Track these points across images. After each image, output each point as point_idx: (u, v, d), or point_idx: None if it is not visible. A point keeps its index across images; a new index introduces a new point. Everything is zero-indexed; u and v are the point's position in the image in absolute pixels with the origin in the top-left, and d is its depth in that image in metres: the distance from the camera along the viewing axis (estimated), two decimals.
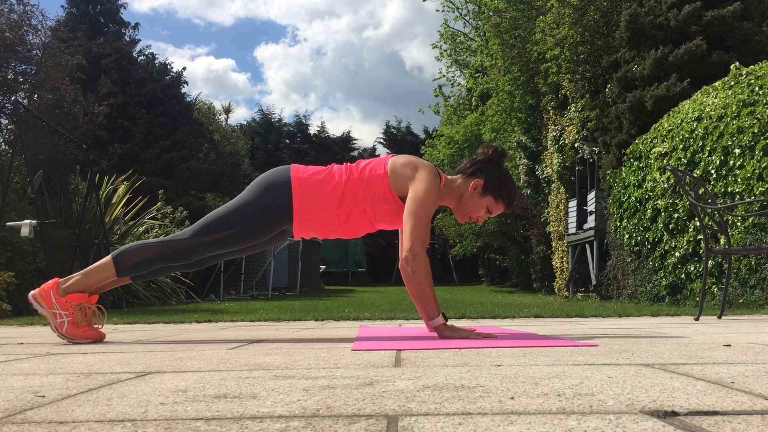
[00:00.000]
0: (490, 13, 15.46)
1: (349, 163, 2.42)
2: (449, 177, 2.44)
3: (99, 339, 2.36)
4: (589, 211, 11.04)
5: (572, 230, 11.81)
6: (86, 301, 2.32)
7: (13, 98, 7.26)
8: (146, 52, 18.17)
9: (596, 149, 10.36)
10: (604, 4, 10.44)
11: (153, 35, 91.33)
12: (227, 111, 34.44)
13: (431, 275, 2.24)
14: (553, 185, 13.25)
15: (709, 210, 4.06)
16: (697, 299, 5.95)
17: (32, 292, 2.33)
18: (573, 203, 11.92)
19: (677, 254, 6.43)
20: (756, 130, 5.31)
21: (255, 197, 2.33)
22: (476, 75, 19.76)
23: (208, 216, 2.37)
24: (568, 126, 12.09)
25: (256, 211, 2.31)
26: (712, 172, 5.83)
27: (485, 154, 2.46)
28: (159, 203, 9.97)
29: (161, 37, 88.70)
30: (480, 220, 2.46)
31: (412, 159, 2.37)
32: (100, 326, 2.39)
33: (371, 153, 41.20)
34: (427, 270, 2.21)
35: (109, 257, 2.36)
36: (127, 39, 19.10)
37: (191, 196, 15.99)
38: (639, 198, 7.33)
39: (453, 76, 26.87)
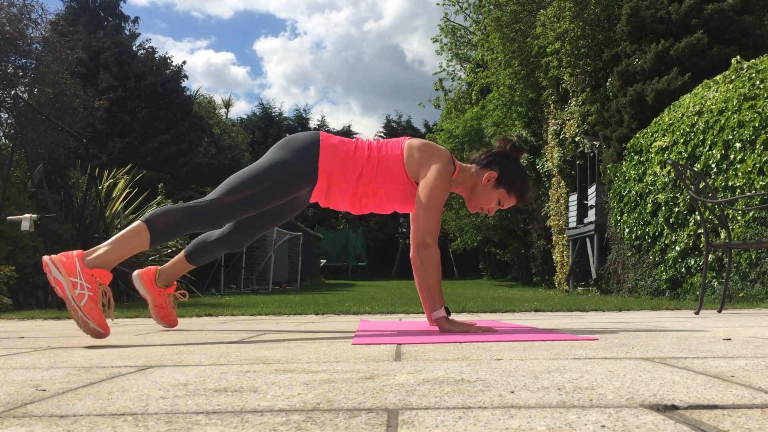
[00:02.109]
0: (491, 7, 15.42)
1: (371, 141, 2.43)
2: (464, 165, 2.44)
3: (170, 325, 2.38)
4: (589, 205, 11.04)
5: (573, 224, 11.81)
6: (107, 284, 2.12)
7: (13, 92, 7.25)
8: (146, 46, 18.14)
9: (597, 143, 10.35)
10: None
11: (152, 28, 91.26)
12: (227, 105, 34.41)
13: (440, 267, 2.26)
14: (554, 179, 13.24)
15: (710, 204, 4.06)
16: (698, 293, 5.95)
17: (49, 256, 2.07)
18: (573, 197, 11.91)
19: (677, 248, 6.43)
20: (757, 124, 5.30)
21: (282, 156, 2.31)
22: (477, 69, 19.71)
23: (231, 177, 2.33)
24: (568, 120, 12.07)
25: (282, 169, 2.28)
26: (713, 166, 5.83)
27: (501, 147, 2.46)
28: (159, 197, 9.96)
29: (160, 30, 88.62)
30: (491, 211, 2.47)
31: (429, 144, 2.37)
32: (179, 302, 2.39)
33: None
34: (437, 262, 2.24)
35: (140, 222, 2.22)
36: (127, 33, 19.07)
37: (191, 190, 15.99)
38: (639, 192, 7.33)
39: (453, 70, 26.85)
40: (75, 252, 2.12)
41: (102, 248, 2.15)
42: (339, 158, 2.31)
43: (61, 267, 2.04)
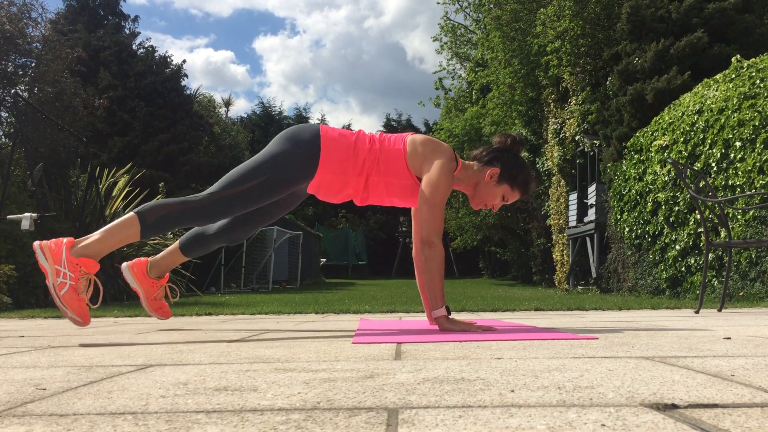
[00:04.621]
0: (491, 6, 15.41)
1: (372, 134, 2.42)
2: (466, 162, 2.44)
3: (165, 317, 2.53)
4: (589, 204, 11.04)
5: (573, 223, 11.81)
6: (94, 273, 2.16)
7: (13, 91, 7.25)
8: (146, 45, 18.14)
9: (597, 142, 10.35)
10: None
11: (151, 26, 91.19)
12: (227, 104, 34.41)
13: (444, 265, 2.25)
14: (554, 178, 13.24)
15: (710, 203, 4.06)
16: (698, 292, 5.95)
17: (40, 242, 2.13)
18: (573, 196, 11.91)
19: (678, 247, 6.43)
20: (757, 123, 5.29)
21: (282, 149, 2.28)
22: (477, 68, 19.70)
23: (230, 172, 2.31)
24: (568, 119, 12.07)
25: (282, 162, 2.26)
26: (713, 164, 5.83)
27: (502, 142, 2.45)
28: (159, 196, 9.96)
29: (159, 28, 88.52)
30: (495, 207, 2.46)
31: (432, 140, 2.36)
32: (172, 300, 2.51)
33: None
34: (441, 259, 2.23)
35: (132, 213, 2.23)
36: (127, 32, 19.06)
37: (192, 189, 15.99)
38: (639, 191, 7.33)
39: (453, 69, 26.83)
40: (65, 239, 2.15)
41: (92, 237, 2.19)
42: (340, 152, 2.30)
43: (48, 254, 2.10)
